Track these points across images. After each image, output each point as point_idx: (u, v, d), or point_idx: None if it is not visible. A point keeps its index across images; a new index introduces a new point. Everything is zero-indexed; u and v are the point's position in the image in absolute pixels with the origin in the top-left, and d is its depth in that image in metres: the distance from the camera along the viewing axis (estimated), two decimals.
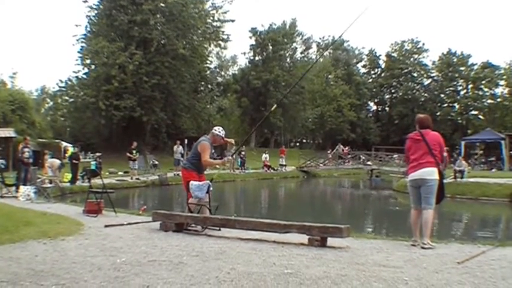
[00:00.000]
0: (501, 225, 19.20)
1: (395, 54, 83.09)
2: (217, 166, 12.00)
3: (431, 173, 7.78)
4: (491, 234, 15.46)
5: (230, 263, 6.15)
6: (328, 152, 55.66)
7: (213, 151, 10.10)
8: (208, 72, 56.91)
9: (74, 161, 24.88)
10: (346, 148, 54.05)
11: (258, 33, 68.48)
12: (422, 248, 7.52)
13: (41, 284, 4.91)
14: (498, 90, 74.92)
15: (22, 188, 15.99)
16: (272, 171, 43.30)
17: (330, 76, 79.68)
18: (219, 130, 9.78)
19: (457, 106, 77.87)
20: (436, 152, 7.84)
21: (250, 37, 68.96)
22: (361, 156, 48.08)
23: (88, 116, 44.54)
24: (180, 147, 33.86)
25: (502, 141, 39.79)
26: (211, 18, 50.65)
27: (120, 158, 33.35)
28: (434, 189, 7.77)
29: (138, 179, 29.33)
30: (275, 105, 46.53)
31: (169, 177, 30.72)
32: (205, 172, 9.89)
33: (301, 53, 79.73)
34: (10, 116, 47.46)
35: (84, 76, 46.03)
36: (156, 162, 34.61)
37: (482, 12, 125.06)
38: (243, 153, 40.49)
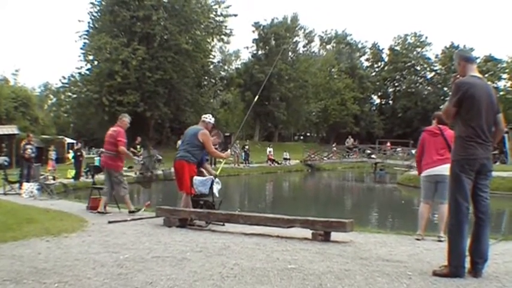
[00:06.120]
0: (504, 219, 19.11)
1: (398, 48, 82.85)
2: (220, 160, 11.95)
3: (448, 169, 7.80)
4: (494, 228, 15.39)
5: (234, 258, 6.12)
6: (333, 145, 55.51)
7: (217, 146, 10.04)
8: (211, 66, 56.84)
9: (78, 157, 24.93)
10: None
11: (261, 27, 68.48)
12: (440, 241, 7.49)
13: (43, 282, 4.88)
14: (501, 84, 74.79)
15: (25, 185, 15.95)
16: (276, 165, 43.32)
17: (333, 70, 79.60)
18: (210, 117, 9.68)
19: None
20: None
21: (253, 31, 69.11)
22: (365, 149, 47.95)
23: (91, 111, 44.50)
24: None
25: (506, 135, 39.52)
26: (214, 12, 50.59)
27: None
28: None
29: (142, 174, 29.30)
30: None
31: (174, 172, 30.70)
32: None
33: (304, 46, 79.77)
34: (13, 113, 47.59)
35: (87, 72, 46.07)
36: (160, 157, 34.60)
37: (484, 6, 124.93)
38: (247, 147, 40.52)
